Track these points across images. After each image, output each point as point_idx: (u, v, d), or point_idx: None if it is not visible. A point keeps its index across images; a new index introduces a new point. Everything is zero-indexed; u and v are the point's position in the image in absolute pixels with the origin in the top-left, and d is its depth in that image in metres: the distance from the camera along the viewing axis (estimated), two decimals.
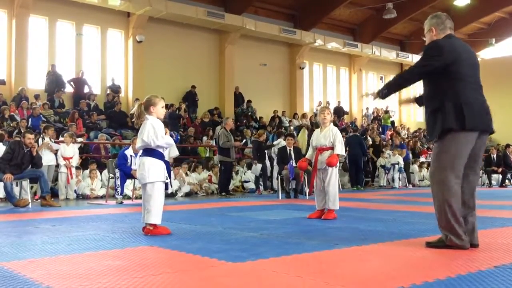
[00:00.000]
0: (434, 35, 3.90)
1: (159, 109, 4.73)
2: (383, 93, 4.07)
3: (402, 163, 15.41)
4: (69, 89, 15.65)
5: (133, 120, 4.92)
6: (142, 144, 4.67)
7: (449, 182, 3.60)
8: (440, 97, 3.70)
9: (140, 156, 4.95)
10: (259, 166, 11.91)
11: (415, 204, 8.55)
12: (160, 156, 4.67)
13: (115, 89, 16.30)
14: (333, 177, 6.06)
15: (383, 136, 20.68)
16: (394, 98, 25.79)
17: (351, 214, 6.82)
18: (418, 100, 4.20)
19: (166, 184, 4.72)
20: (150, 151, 4.63)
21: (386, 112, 23.64)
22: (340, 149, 6.03)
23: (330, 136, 6.06)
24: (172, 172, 4.73)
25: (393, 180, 15.30)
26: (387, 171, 15.35)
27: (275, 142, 12.58)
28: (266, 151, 12.32)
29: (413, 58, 24.72)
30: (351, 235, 4.59)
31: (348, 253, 3.68)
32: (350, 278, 2.82)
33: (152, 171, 4.59)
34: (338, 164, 6.09)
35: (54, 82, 14.80)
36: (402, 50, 25.06)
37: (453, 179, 3.61)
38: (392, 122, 23.69)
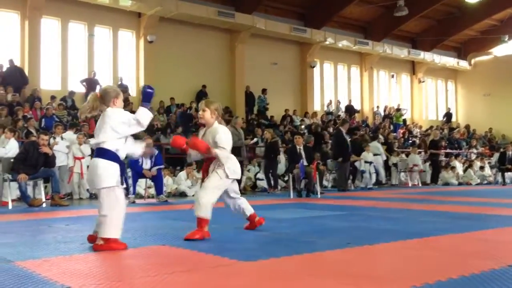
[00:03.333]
0: None
1: (121, 102, 4.06)
2: None
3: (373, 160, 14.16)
4: (81, 88, 15.78)
5: (87, 113, 4.04)
6: (101, 138, 3.88)
7: None
8: None
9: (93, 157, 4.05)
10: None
11: (427, 203, 8.49)
12: (114, 157, 3.87)
13: (123, 89, 16.38)
14: (211, 181, 4.42)
15: (394, 134, 20.57)
16: (406, 95, 25.69)
17: (363, 213, 6.80)
18: None
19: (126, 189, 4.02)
20: (103, 152, 3.86)
21: (398, 110, 23.48)
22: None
23: (209, 138, 4.50)
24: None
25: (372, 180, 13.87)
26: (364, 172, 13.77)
27: None
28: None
29: (425, 56, 24.53)
30: (363, 234, 4.58)
31: (360, 252, 3.67)
32: (362, 277, 2.82)
33: (105, 175, 3.81)
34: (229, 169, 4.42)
35: (19, 76, 14.30)
36: (413, 47, 24.84)
37: None
38: (404, 120, 23.54)
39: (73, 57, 16.01)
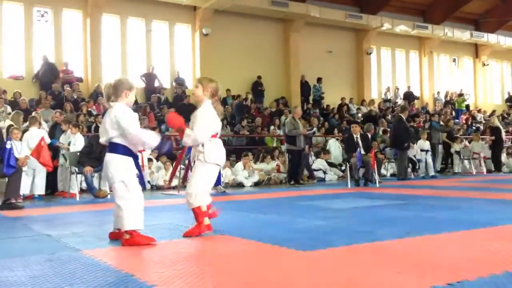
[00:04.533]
0: None
1: (133, 96, 3.92)
2: None
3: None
4: (141, 83, 16.23)
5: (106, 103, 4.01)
6: (110, 134, 3.77)
7: None
8: None
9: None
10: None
11: (491, 191, 8.13)
12: (125, 151, 3.80)
13: (181, 82, 16.72)
14: (194, 170, 4.15)
15: (457, 120, 19.82)
16: (469, 79, 24.62)
17: (423, 202, 6.62)
18: None
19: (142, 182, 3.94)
20: (114, 147, 3.80)
21: (460, 95, 22.57)
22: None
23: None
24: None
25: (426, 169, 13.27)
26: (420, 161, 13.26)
27: None
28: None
29: (489, 38, 23.38)
30: (424, 224, 4.46)
31: (420, 241, 3.58)
32: (423, 267, 2.75)
33: (118, 169, 3.77)
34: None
35: (48, 71, 14.61)
36: (476, 29, 23.72)
37: None
38: (467, 106, 22.60)
39: (132, 53, 16.51)
